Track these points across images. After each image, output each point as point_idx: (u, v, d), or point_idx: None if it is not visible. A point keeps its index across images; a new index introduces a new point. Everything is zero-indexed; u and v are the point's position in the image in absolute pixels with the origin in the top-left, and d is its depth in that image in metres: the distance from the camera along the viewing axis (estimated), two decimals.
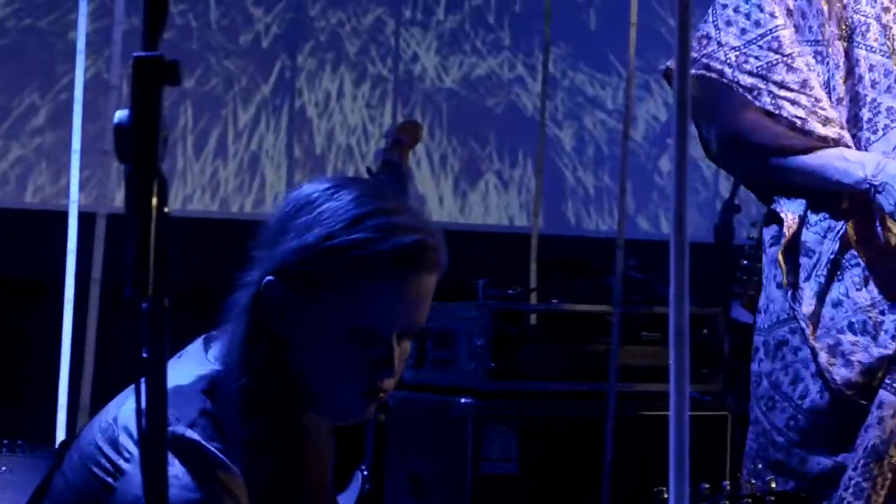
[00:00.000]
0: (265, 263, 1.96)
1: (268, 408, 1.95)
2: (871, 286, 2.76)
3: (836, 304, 2.78)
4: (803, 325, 2.76)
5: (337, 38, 5.77)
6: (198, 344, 2.02)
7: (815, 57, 2.80)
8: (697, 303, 4.31)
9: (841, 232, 2.77)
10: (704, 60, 2.84)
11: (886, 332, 2.76)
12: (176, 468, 1.85)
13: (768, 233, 2.89)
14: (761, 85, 2.79)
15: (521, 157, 5.94)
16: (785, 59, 2.78)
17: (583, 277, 4.67)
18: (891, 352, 2.74)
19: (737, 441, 3.97)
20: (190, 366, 1.98)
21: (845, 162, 2.74)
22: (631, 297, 4.27)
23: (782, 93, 2.78)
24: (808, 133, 2.76)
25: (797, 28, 2.80)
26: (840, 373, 2.74)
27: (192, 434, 1.90)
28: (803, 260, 2.79)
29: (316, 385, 1.98)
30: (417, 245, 1.94)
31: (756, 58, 2.79)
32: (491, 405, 4.13)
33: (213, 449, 1.90)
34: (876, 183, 2.70)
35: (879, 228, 2.75)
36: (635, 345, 4.27)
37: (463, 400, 4.12)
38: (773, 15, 2.80)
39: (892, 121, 2.76)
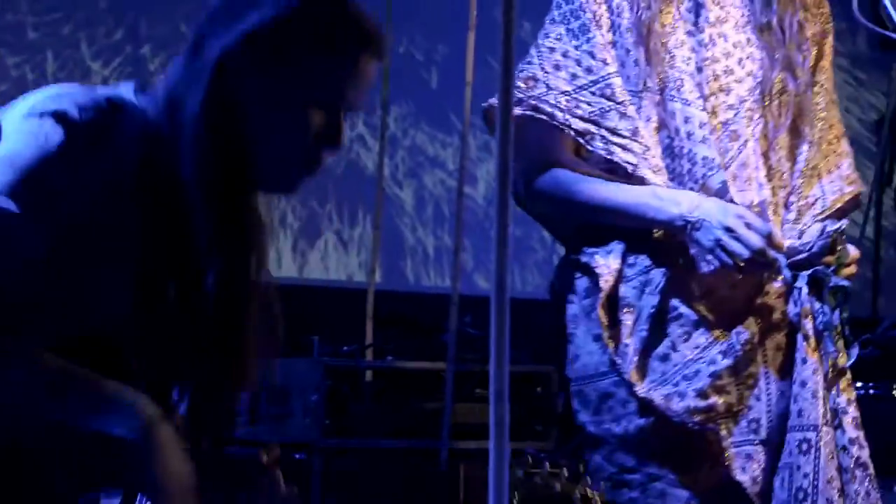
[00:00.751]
0: (224, 36, 2.07)
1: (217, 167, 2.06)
2: (702, 329, 2.80)
3: (664, 359, 2.80)
4: (631, 380, 2.78)
5: None
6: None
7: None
8: (533, 360, 4.33)
9: (660, 285, 2.80)
10: (532, 102, 2.85)
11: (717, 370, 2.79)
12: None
13: (580, 284, 2.90)
14: (594, 130, 2.82)
15: (361, 216, 5.93)
16: (618, 106, 2.82)
17: (418, 334, 4.67)
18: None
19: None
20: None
21: (659, 199, 2.78)
22: (465, 355, 4.28)
23: (615, 139, 2.81)
24: (639, 180, 2.80)
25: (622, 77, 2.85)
26: (678, 405, 2.77)
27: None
28: (624, 316, 2.81)
29: (261, 154, 2.09)
30: (376, 30, 2.11)
31: (588, 104, 2.82)
32: (325, 461, 4.11)
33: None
34: (692, 220, 2.74)
35: (702, 265, 2.78)
36: (468, 402, 4.28)
37: (297, 456, 4.09)
38: (605, 62, 2.84)
39: (709, 170, 2.81)
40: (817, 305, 2.79)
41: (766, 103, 2.88)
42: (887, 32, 2.75)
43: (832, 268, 2.80)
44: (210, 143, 2.07)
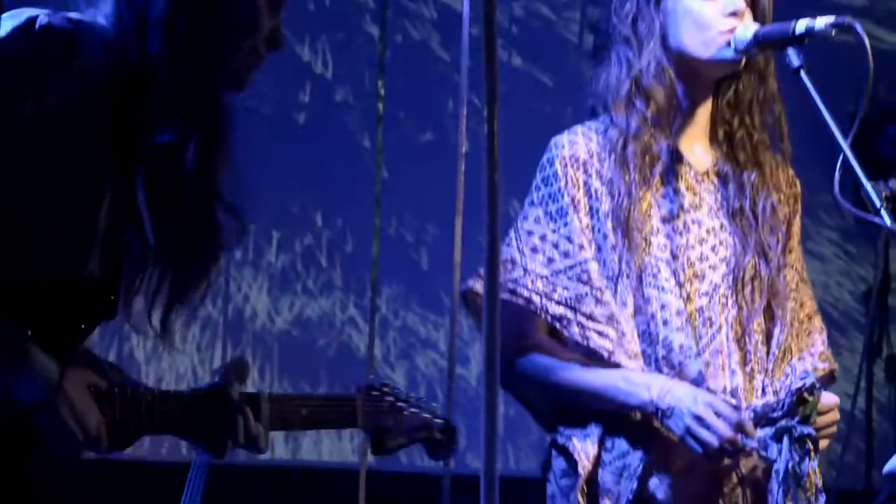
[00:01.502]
0: None
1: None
2: None
3: None
4: None
5: None
6: None
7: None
8: None
9: (638, 470, 2.79)
10: (510, 286, 2.87)
11: None
12: None
13: (557, 464, 2.89)
14: (570, 315, 2.83)
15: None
16: (594, 291, 2.84)
17: None
18: None
19: None
20: None
21: (629, 384, 2.78)
22: None
23: (591, 324, 2.83)
24: (615, 365, 2.80)
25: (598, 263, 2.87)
26: None
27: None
28: (603, 502, 2.81)
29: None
30: None
31: (565, 288, 2.84)
32: None
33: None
34: (663, 407, 2.74)
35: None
36: None
37: None
38: (581, 247, 2.86)
39: (685, 357, 2.82)
40: (786, 456, 2.78)
41: (740, 288, 2.90)
42: (867, 215, 2.76)
43: (796, 418, 2.80)
44: (178, 40, 2.25)
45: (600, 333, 2.84)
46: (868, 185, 2.74)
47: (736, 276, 2.90)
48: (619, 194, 2.86)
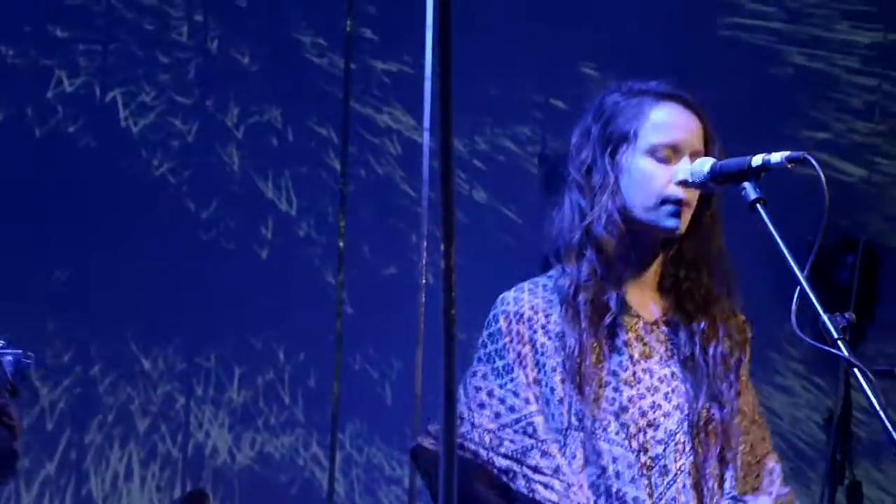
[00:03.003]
0: None
1: None
2: None
3: None
4: None
5: (126, 414, 5.68)
6: None
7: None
8: None
9: None
10: (458, 440, 2.85)
11: None
12: None
13: None
14: (516, 468, 2.84)
15: None
16: (539, 444, 2.85)
17: None
18: None
19: None
20: None
21: None
22: None
23: (536, 476, 2.83)
24: None
25: (545, 416, 2.87)
26: None
27: None
28: None
29: None
30: None
31: (511, 441, 2.85)
32: None
33: None
34: None
35: None
36: None
37: None
38: (527, 401, 2.87)
39: None
40: None
41: (695, 434, 2.89)
42: (826, 347, 2.77)
43: None
44: None
45: (546, 485, 2.83)
46: (825, 317, 2.74)
47: (691, 421, 2.90)
48: (571, 345, 2.87)
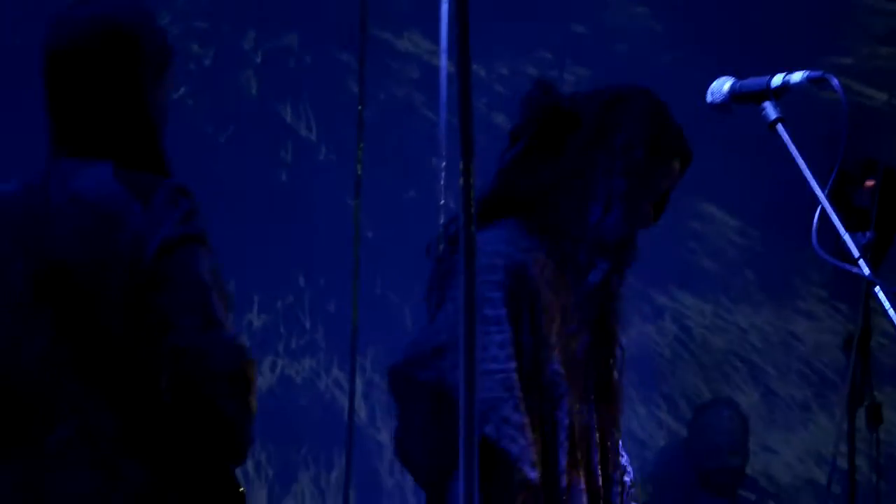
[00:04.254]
0: None
1: None
2: None
3: None
4: None
5: None
6: None
7: None
8: None
9: None
10: (435, 372, 2.90)
11: None
12: None
13: None
14: (490, 414, 2.89)
15: (338, 461, 5.86)
16: (513, 399, 2.92)
17: None
18: None
19: None
20: None
21: None
22: None
23: (505, 427, 2.88)
24: (518, 471, 2.86)
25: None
26: None
27: None
28: None
29: None
30: None
31: (490, 389, 2.90)
32: None
33: None
34: None
35: None
36: None
37: None
38: (510, 357, 2.92)
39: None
40: None
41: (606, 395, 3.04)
42: (846, 265, 2.76)
43: None
44: None
45: (512, 438, 2.89)
46: (846, 236, 2.73)
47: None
48: (548, 311, 2.93)
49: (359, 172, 4.83)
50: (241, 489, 2.69)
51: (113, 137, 2.72)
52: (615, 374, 3.05)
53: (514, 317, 2.93)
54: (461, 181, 1.89)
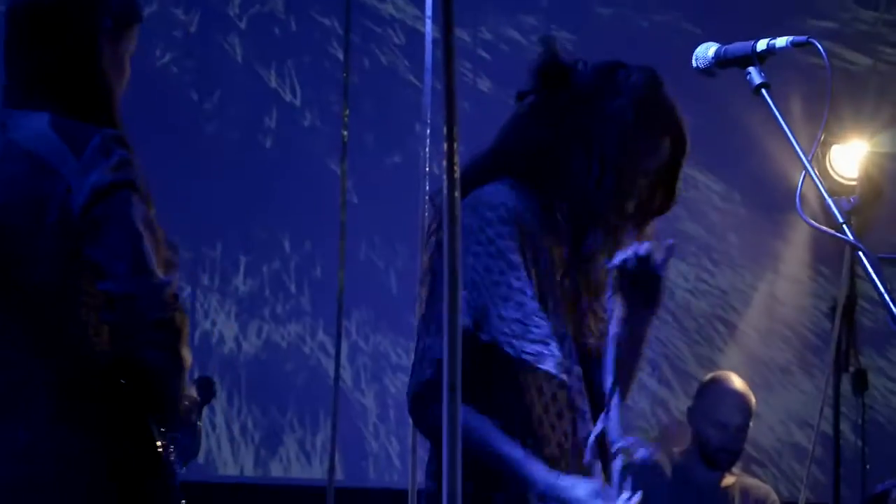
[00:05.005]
0: None
1: None
2: None
3: None
4: None
5: None
6: None
7: None
8: None
9: None
10: (491, 335, 2.90)
11: None
12: None
13: None
14: (544, 350, 2.89)
15: (323, 424, 5.88)
16: (552, 336, 2.93)
17: None
18: None
19: None
20: None
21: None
22: None
23: (561, 360, 2.89)
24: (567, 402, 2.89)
25: None
26: None
27: None
28: None
29: None
30: None
31: (537, 326, 2.90)
32: None
33: None
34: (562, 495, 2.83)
35: None
36: None
37: None
38: (534, 297, 2.94)
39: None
40: None
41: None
42: (830, 231, 2.77)
43: None
44: None
45: (568, 370, 2.92)
46: (830, 201, 2.74)
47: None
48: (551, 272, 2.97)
49: (345, 135, 4.85)
50: (159, 446, 2.67)
51: (59, 88, 2.73)
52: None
53: (528, 268, 2.95)
54: (445, 146, 1.90)
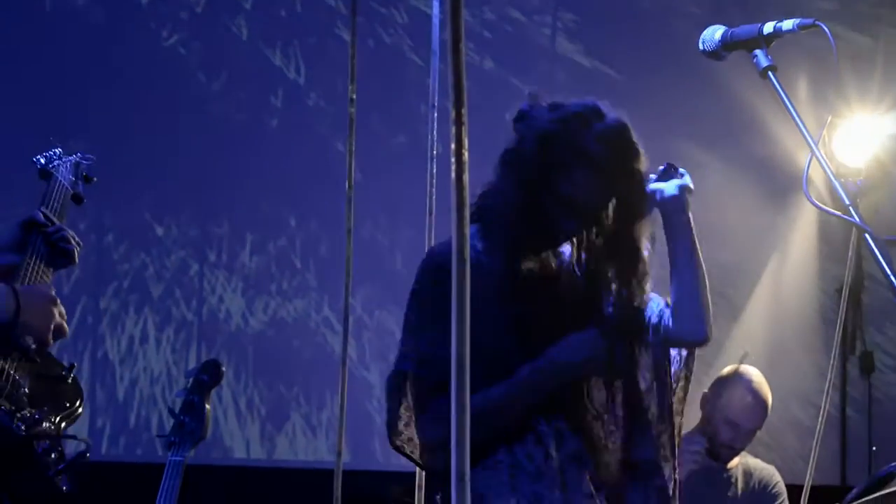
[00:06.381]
0: None
1: None
2: None
3: None
4: None
5: (141, 280, 5.75)
6: None
7: None
8: None
9: None
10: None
11: None
12: None
13: None
14: None
15: (329, 399, 5.91)
16: None
17: None
18: None
19: None
20: None
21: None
22: None
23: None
24: None
25: None
26: None
27: None
28: None
29: None
30: None
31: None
32: None
33: None
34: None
35: None
36: None
37: None
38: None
39: None
40: None
41: None
42: (836, 213, 2.79)
43: None
44: None
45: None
46: (837, 182, 2.76)
47: None
48: None
49: (352, 115, 4.87)
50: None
51: None
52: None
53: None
54: (453, 130, 1.92)
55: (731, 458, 5.20)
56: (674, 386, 3.23)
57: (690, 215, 3.12)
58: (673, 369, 3.25)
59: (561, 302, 3.09)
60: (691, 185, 3.16)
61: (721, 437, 5.11)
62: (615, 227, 3.13)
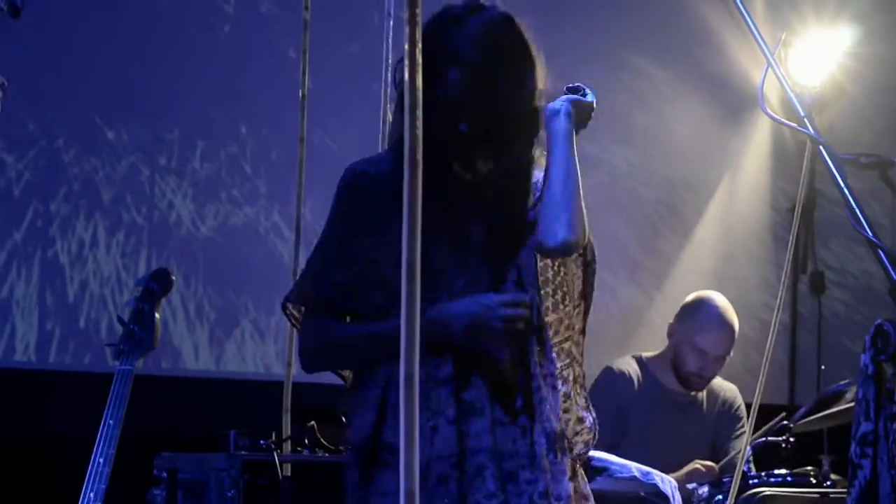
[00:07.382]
0: None
1: None
2: None
3: None
4: None
5: (91, 185, 5.71)
6: None
7: None
8: None
9: None
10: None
11: None
12: None
13: None
14: None
15: (278, 307, 5.90)
16: None
17: (337, 425, 4.64)
18: None
19: None
20: None
21: None
22: None
23: None
24: None
25: None
26: None
27: None
28: None
29: None
30: None
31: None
32: None
33: None
34: None
35: None
36: None
37: None
38: None
39: None
40: None
41: None
42: (791, 124, 2.79)
43: None
44: None
45: None
46: (793, 95, 2.76)
47: None
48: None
49: (306, 22, 4.84)
50: None
51: None
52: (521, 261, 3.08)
53: None
54: (406, 29, 1.91)
55: (701, 387, 5.19)
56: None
57: (570, 127, 3.01)
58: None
59: (452, 220, 3.07)
60: (592, 104, 3.07)
61: (689, 366, 5.11)
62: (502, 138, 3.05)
